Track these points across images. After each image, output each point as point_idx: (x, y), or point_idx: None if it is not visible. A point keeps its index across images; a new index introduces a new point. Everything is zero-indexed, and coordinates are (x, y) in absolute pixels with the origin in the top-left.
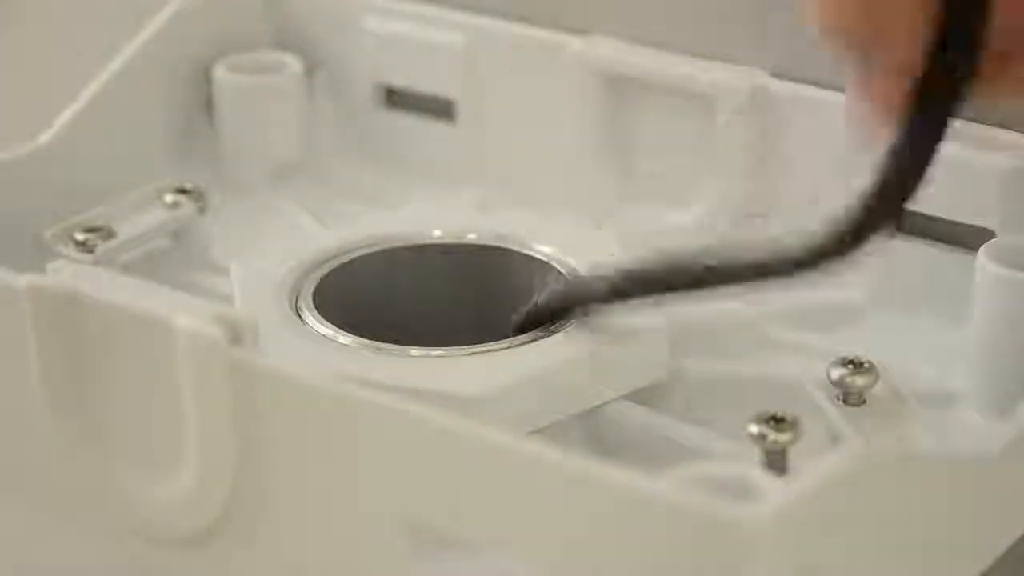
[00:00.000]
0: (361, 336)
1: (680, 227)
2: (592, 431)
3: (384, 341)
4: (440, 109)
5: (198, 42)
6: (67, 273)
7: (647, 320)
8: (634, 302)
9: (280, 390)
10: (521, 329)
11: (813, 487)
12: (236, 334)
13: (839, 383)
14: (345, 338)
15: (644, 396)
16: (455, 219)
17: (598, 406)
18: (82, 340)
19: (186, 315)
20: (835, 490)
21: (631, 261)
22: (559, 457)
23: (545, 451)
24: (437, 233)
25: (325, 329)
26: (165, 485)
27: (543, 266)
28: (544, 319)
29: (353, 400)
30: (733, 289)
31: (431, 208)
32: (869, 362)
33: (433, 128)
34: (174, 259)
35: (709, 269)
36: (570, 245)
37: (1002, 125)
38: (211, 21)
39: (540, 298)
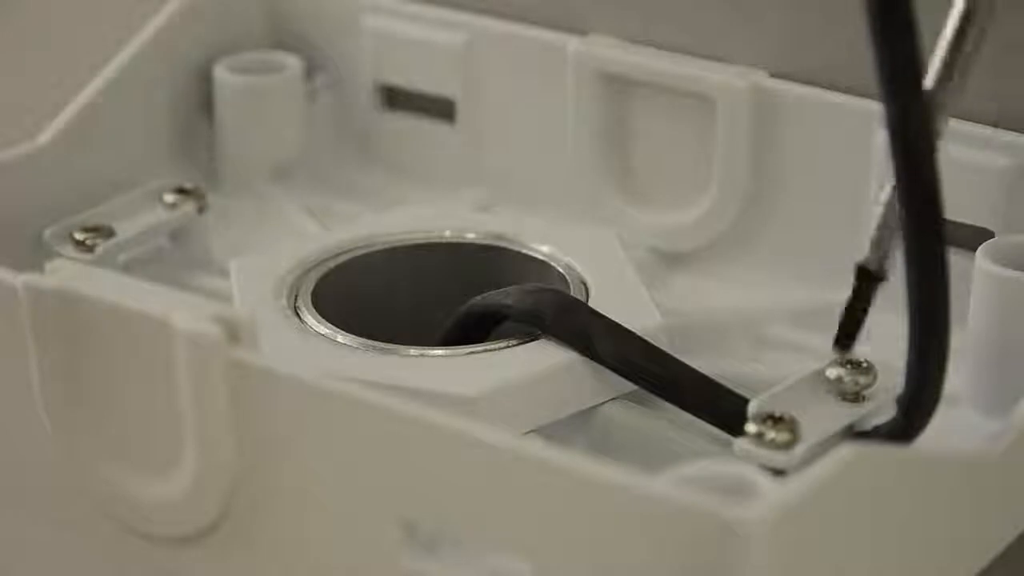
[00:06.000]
0: (359, 336)
1: (680, 227)
2: (590, 431)
3: (383, 341)
4: (440, 109)
5: (198, 42)
6: (65, 272)
7: (645, 320)
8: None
9: (278, 389)
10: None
11: (810, 487)
12: (234, 333)
13: (838, 382)
14: (343, 337)
15: (642, 396)
16: (454, 219)
17: (596, 406)
18: (80, 340)
19: (184, 314)
20: (832, 490)
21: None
22: (555, 456)
23: (541, 450)
24: (436, 233)
25: (323, 328)
26: (163, 484)
27: (542, 266)
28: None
29: (351, 399)
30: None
31: (430, 208)
32: (869, 362)
33: (433, 128)
34: (174, 259)
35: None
36: (570, 245)
37: (1002, 125)
38: (211, 21)
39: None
